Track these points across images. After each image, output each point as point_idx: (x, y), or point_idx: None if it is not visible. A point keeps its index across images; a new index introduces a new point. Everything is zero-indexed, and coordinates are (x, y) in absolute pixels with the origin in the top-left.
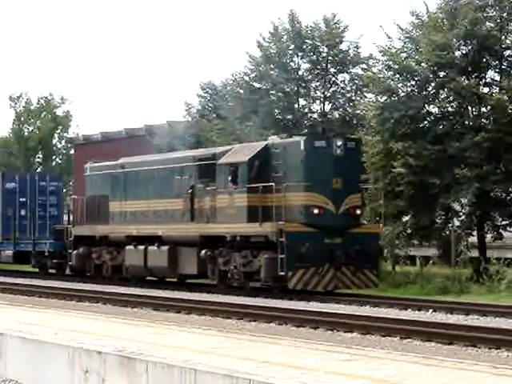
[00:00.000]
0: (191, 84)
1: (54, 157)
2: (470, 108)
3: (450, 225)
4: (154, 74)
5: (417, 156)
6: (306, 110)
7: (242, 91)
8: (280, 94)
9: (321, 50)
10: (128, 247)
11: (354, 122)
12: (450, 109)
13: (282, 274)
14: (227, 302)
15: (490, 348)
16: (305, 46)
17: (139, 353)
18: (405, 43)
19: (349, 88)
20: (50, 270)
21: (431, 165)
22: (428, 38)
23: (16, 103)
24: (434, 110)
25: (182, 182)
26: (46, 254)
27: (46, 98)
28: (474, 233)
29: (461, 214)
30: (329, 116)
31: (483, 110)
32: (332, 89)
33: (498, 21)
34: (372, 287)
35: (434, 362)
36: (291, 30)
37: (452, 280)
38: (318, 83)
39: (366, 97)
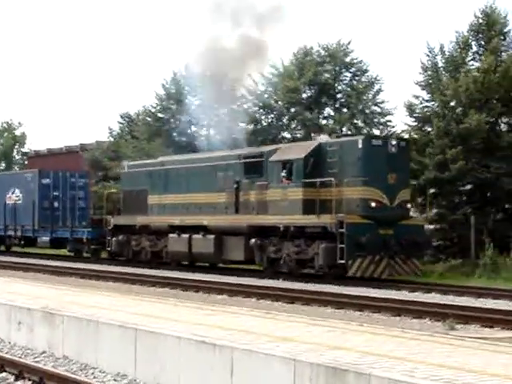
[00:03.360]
0: (113, 111)
1: (13, 166)
2: (312, 134)
3: None
4: (85, 102)
5: None
6: (196, 135)
7: (149, 119)
8: (177, 122)
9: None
10: (171, 235)
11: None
12: (298, 135)
13: (342, 262)
14: (134, 273)
15: (319, 306)
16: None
17: (57, 309)
18: (267, 87)
19: (227, 119)
20: (85, 255)
21: None
22: (283, 84)
23: None
24: (287, 135)
25: (225, 177)
26: (84, 240)
27: (7, 122)
28: None
29: None
30: (212, 139)
31: None
32: (215, 119)
33: (333, 72)
34: (419, 275)
35: (273, 315)
36: (186, 77)
37: None
38: (205, 115)
39: (239, 125)
